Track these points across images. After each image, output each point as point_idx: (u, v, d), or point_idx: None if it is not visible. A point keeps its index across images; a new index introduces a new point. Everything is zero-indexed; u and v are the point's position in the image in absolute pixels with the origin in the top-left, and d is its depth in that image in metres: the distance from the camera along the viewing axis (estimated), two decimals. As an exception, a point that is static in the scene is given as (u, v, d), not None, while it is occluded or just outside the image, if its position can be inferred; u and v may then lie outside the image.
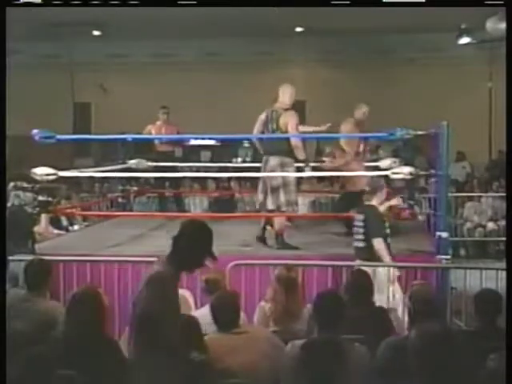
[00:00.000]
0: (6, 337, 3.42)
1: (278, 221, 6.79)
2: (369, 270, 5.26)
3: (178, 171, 9.20)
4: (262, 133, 6.87)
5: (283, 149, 6.70)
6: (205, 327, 3.69)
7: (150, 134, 9.10)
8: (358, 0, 7.55)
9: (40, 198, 6.98)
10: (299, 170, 7.04)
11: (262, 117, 6.83)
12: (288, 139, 6.73)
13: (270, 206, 6.74)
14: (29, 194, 6.87)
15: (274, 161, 6.70)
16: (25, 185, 7.02)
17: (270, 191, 6.70)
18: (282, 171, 6.68)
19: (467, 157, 13.80)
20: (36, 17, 11.03)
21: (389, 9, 8.31)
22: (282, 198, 6.65)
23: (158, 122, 9.18)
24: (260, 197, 6.85)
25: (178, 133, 9.22)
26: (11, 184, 6.96)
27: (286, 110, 6.76)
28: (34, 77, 14.54)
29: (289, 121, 6.69)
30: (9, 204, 6.58)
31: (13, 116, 6.61)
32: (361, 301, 4.35)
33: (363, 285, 4.49)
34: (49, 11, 9.57)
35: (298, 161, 6.94)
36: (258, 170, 7.13)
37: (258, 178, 7.13)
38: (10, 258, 5.04)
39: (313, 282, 5.37)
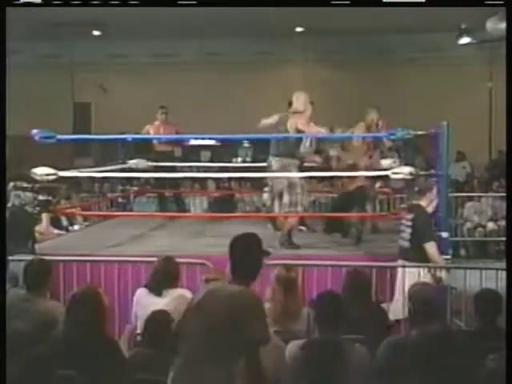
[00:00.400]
0: (5, 337, 3.42)
1: (288, 221, 6.80)
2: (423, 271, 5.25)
3: (178, 171, 9.20)
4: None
5: (288, 151, 6.73)
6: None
7: (149, 134, 9.08)
8: (358, 0, 7.56)
9: (40, 197, 6.98)
10: (304, 170, 7.07)
11: (276, 117, 6.87)
12: (293, 141, 6.76)
13: (277, 208, 6.77)
14: (29, 194, 6.86)
15: (278, 163, 6.73)
16: (25, 185, 7.01)
17: (276, 193, 6.74)
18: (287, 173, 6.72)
19: (467, 157, 13.79)
20: (36, 17, 11.02)
21: (389, 9, 8.32)
22: (287, 199, 6.67)
23: (157, 122, 9.16)
24: (268, 199, 6.91)
25: (176, 133, 9.20)
26: (11, 184, 6.95)
27: (295, 113, 6.80)
28: (34, 77, 14.52)
29: (294, 123, 6.73)
30: (9, 204, 6.58)
31: (13, 116, 6.60)
32: (359, 301, 4.35)
33: (361, 285, 4.49)
34: (49, 11, 9.56)
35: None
36: (258, 170, 7.13)
37: (258, 179, 7.14)
38: (10, 258, 5.04)
39: (313, 281, 5.37)
